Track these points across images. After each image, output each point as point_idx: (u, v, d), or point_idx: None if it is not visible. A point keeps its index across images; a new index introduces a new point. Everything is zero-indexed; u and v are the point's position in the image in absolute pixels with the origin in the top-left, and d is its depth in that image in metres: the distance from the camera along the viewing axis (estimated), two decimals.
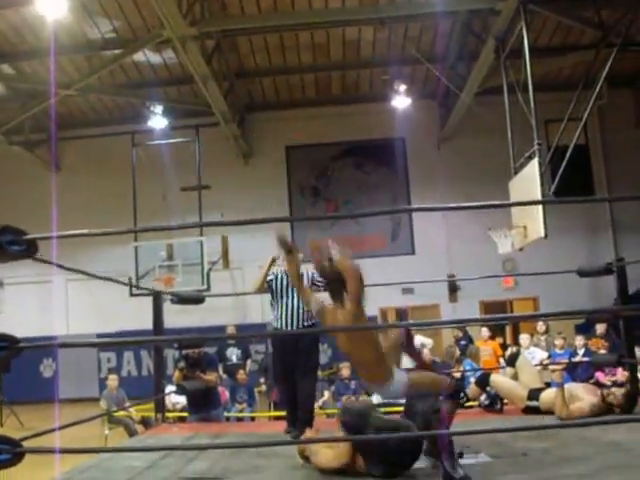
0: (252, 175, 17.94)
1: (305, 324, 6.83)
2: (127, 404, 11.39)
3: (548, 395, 6.63)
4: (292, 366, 6.84)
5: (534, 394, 6.69)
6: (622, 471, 4.32)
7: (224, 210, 16.64)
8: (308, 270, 7.09)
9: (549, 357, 11.88)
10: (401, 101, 16.17)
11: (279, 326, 6.85)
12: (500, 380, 6.93)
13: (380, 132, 18.00)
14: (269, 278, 7.06)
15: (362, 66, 16.87)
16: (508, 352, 12.98)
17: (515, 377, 7.18)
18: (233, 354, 13.40)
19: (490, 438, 5.39)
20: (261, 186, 17.64)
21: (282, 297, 6.88)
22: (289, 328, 6.83)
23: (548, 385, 7.31)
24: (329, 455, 4.73)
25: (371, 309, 15.81)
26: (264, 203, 17.13)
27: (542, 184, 11.44)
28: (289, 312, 6.79)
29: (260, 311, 16.04)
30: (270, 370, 12.19)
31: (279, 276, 6.99)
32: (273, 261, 7.02)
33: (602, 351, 10.63)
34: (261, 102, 18.34)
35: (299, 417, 6.66)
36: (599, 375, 10.73)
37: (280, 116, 18.15)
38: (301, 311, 6.83)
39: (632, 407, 6.57)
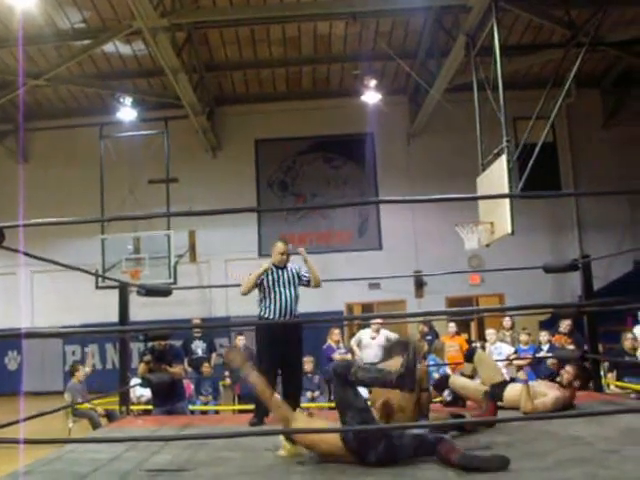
0: (221, 168, 17.89)
1: (295, 316, 7.13)
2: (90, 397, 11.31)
3: (512, 391, 6.67)
4: (279, 357, 7.03)
5: (496, 390, 6.71)
6: (582, 464, 4.37)
7: (192, 203, 16.55)
8: (292, 267, 7.21)
9: (515, 352, 11.94)
10: (371, 96, 16.19)
11: (270, 317, 7.06)
12: (458, 382, 6.93)
13: (350, 127, 18.01)
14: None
15: (333, 61, 16.89)
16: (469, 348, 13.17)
17: (475, 372, 7.22)
18: (198, 347, 13.32)
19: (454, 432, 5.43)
20: (229, 179, 17.60)
21: (272, 290, 7.09)
22: (280, 319, 7.08)
23: (513, 380, 7.36)
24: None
25: (337, 304, 16.06)
26: (232, 196, 17.06)
27: (510, 181, 11.49)
28: (279, 304, 7.02)
29: (225, 305, 16.04)
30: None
31: (269, 270, 7.17)
32: (266, 270, 7.11)
33: (567, 347, 10.70)
34: (231, 95, 18.27)
35: (292, 406, 6.85)
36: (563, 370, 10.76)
37: (250, 110, 18.10)
38: (291, 303, 7.04)
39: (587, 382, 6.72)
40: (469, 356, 7.22)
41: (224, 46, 15.93)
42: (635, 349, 10.38)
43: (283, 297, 7.08)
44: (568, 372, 6.65)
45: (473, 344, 13.62)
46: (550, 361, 10.40)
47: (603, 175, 17.29)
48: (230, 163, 18.01)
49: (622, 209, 18.06)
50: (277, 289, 7.10)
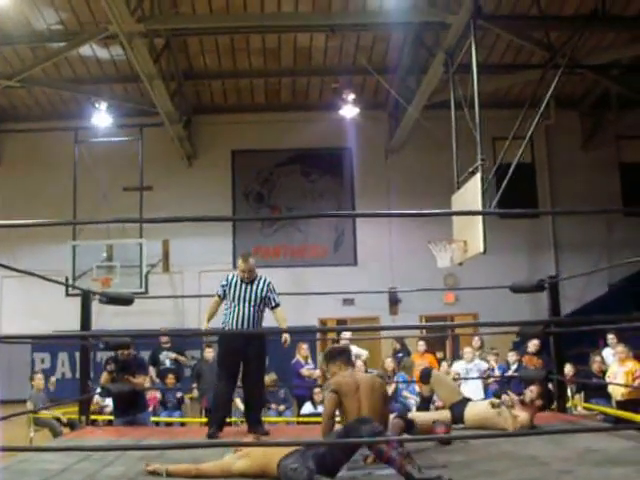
0: (196, 178, 17.69)
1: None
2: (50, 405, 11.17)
3: (474, 410, 6.59)
4: (235, 370, 7.05)
5: (456, 409, 6.63)
6: None
7: (166, 212, 16.40)
8: (260, 283, 7.13)
9: (487, 370, 11.96)
10: (350, 110, 16.14)
11: (232, 326, 7.09)
12: (419, 417, 6.80)
13: (328, 141, 17.93)
14: (222, 284, 7.30)
15: (312, 73, 16.81)
16: (446, 366, 13.11)
17: (432, 393, 7.14)
18: (167, 358, 13.21)
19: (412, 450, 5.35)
20: (205, 190, 17.39)
21: (234, 303, 7.11)
22: (246, 321, 7.07)
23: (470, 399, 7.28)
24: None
25: (310, 319, 15.94)
26: (207, 207, 16.84)
27: (483, 199, 11.46)
28: (240, 318, 7.03)
29: (198, 316, 15.85)
30: (203, 376, 12.04)
31: (233, 281, 7.21)
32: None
33: (535, 367, 10.66)
34: (209, 104, 18.11)
35: (254, 418, 7.05)
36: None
37: (227, 119, 17.92)
38: (250, 319, 7.05)
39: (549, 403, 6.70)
40: (425, 378, 7.13)
41: (203, 54, 15.82)
42: (603, 372, 10.35)
43: (242, 313, 7.06)
44: (531, 391, 6.60)
45: (443, 362, 13.59)
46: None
47: (581, 197, 17.30)
48: (206, 173, 17.82)
49: (599, 231, 18.07)
50: (240, 304, 7.09)
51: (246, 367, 7.13)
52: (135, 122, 16.90)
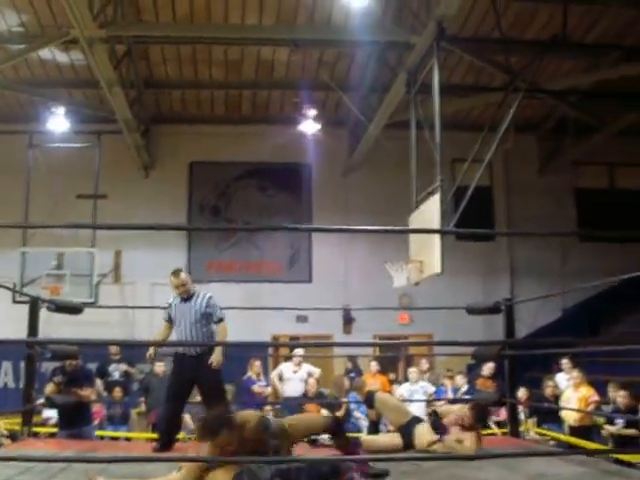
0: (152, 188, 17.44)
1: (200, 350, 6.96)
2: None
3: (421, 431, 6.47)
4: (185, 392, 7.06)
5: (405, 431, 6.50)
6: None
7: (120, 222, 16.14)
8: (199, 298, 6.98)
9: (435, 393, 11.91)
10: (310, 126, 16.04)
11: (178, 350, 7.05)
12: (368, 440, 6.69)
13: (287, 156, 17.82)
14: (165, 307, 7.32)
15: (274, 87, 16.68)
16: (398, 386, 13.02)
17: (379, 417, 7.02)
18: (116, 370, 12.95)
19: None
20: (160, 200, 17.13)
21: (176, 324, 7.08)
22: (186, 354, 6.96)
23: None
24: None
25: (264, 335, 15.78)
26: (162, 218, 16.57)
27: (442, 220, 11.43)
28: (183, 338, 6.97)
29: (149, 328, 15.57)
30: (151, 390, 11.82)
31: (174, 302, 7.20)
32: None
33: (489, 390, 10.63)
34: (168, 114, 17.88)
35: None
36: None
37: (186, 130, 17.71)
38: (195, 335, 6.97)
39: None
40: (369, 402, 7.01)
41: (164, 63, 15.61)
42: (556, 396, 10.35)
43: (185, 332, 6.96)
44: (467, 417, 6.48)
45: (394, 384, 13.51)
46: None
47: (537, 221, 17.43)
48: (162, 183, 17.57)
49: (554, 257, 18.20)
50: (181, 323, 7.02)
51: (200, 388, 7.08)
52: (92, 129, 16.58)
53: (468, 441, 6.23)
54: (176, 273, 7.22)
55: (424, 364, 12.73)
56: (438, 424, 6.46)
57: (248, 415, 5.18)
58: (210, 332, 7.13)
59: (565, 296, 17.69)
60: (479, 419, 6.57)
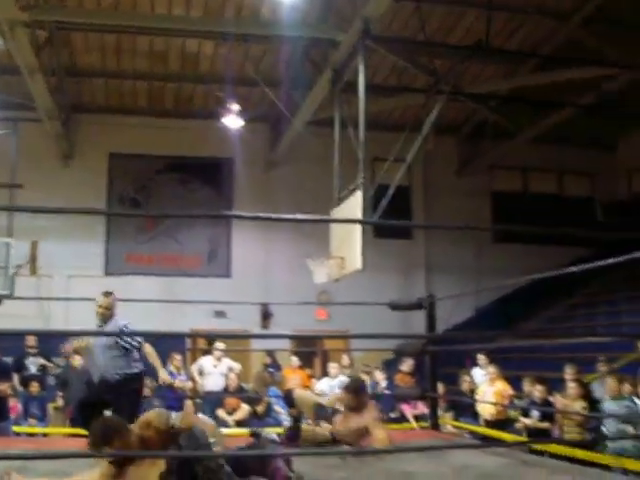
0: (70, 179, 17.04)
1: (118, 377, 6.69)
2: None
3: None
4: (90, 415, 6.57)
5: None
6: None
7: (37, 213, 15.82)
8: (115, 325, 6.85)
9: None
10: (234, 121, 15.98)
11: (91, 378, 6.92)
12: (307, 430, 6.77)
13: (209, 150, 17.74)
14: None
15: (198, 81, 16.59)
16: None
17: (301, 414, 7.07)
18: (32, 364, 12.69)
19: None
20: (79, 192, 16.69)
21: (91, 351, 6.98)
22: (96, 381, 6.79)
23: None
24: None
25: (182, 329, 15.66)
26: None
27: (364, 216, 11.55)
28: (93, 367, 6.91)
29: (65, 322, 15.34)
30: (69, 385, 11.61)
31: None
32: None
33: (408, 386, 10.86)
34: (89, 104, 17.51)
35: None
36: (404, 407, 10.93)
37: (107, 121, 17.38)
38: (104, 365, 6.72)
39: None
40: (288, 400, 7.12)
41: (87, 51, 15.32)
42: (472, 391, 10.61)
43: (95, 360, 6.81)
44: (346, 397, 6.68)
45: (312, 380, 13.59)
46: None
47: (453, 221, 17.74)
48: (82, 174, 17.19)
49: (468, 257, 18.63)
50: (94, 350, 6.87)
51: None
52: (10, 116, 16.09)
53: (381, 436, 6.35)
54: (107, 294, 7.03)
55: (345, 359, 12.83)
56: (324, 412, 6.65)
57: (149, 415, 5.12)
58: (127, 361, 6.80)
59: (479, 295, 18.11)
60: (358, 392, 6.66)
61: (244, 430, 7.41)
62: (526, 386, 9.84)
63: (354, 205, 11.88)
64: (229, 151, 17.57)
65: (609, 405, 8.08)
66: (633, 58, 13.41)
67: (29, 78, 13.10)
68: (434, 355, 7.98)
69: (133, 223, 17.61)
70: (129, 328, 6.80)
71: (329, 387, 11.79)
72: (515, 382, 10.49)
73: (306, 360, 15.64)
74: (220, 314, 16.96)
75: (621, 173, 20.52)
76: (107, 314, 6.90)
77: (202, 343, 17.28)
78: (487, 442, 7.97)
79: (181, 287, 17.00)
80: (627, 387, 8.45)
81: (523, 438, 8.74)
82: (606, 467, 6.39)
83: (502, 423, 9.56)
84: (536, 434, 8.81)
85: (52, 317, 15.89)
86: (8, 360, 11.87)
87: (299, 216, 4.91)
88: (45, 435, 11.21)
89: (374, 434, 6.36)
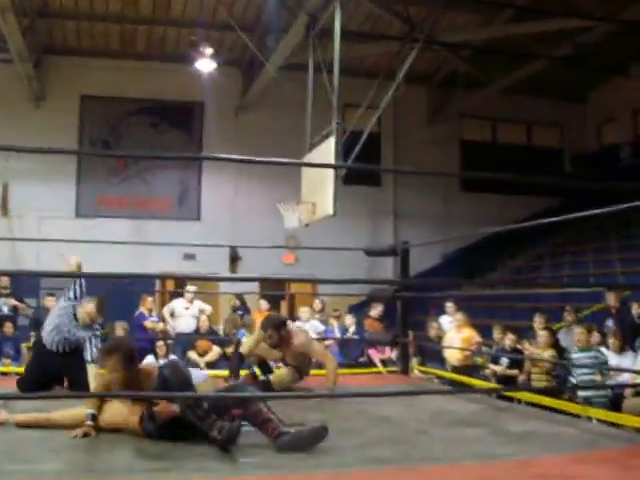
0: (42, 120, 16.76)
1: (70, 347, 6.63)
2: None
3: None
4: (45, 383, 6.54)
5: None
6: (395, 444, 4.50)
7: (8, 154, 15.64)
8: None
9: (324, 332, 12.18)
10: (206, 65, 15.89)
11: (46, 342, 6.62)
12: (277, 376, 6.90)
13: (180, 93, 17.58)
14: None
15: (171, 24, 16.33)
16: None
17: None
18: (5, 305, 12.67)
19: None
20: (50, 134, 16.36)
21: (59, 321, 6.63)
22: (53, 348, 6.60)
23: None
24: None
25: (152, 272, 15.66)
26: None
27: (336, 161, 11.60)
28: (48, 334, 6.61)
29: (35, 264, 15.30)
30: (42, 325, 11.60)
31: None
32: None
33: (377, 331, 11.04)
34: (61, 46, 17.17)
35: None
36: (372, 352, 11.14)
37: (79, 63, 17.09)
38: (59, 333, 6.61)
39: None
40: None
41: None
42: (439, 337, 10.82)
43: (54, 325, 6.63)
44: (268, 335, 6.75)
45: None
46: None
47: (422, 168, 17.88)
48: (53, 116, 16.93)
49: (436, 204, 18.85)
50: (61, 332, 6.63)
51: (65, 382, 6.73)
52: None
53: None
54: (101, 307, 6.75)
55: (317, 304, 12.96)
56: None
57: (148, 366, 5.24)
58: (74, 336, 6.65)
59: (446, 243, 18.34)
60: (274, 327, 6.66)
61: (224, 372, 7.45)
62: (496, 334, 10.09)
63: (327, 150, 11.91)
64: (201, 95, 17.47)
65: (578, 355, 8.30)
66: (608, 10, 13.51)
67: (0, 18, 12.84)
68: (405, 301, 8.13)
69: (104, 165, 17.54)
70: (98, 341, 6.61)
71: None
72: (482, 330, 10.72)
73: (273, 304, 15.80)
74: (189, 257, 17.03)
75: (590, 125, 20.77)
76: (90, 324, 6.66)
77: (170, 286, 17.45)
78: (461, 388, 8.16)
79: (151, 230, 17.00)
80: (594, 337, 8.71)
81: (494, 384, 8.97)
82: (574, 415, 6.62)
83: (469, 369, 9.79)
84: (505, 381, 9.05)
85: (23, 259, 15.82)
86: None
87: (272, 159, 4.96)
88: (18, 374, 11.26)
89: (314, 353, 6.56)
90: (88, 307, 6.61)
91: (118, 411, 4.77)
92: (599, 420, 6.58)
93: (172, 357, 10.47)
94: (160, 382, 4.77)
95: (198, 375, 5.34)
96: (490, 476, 3.70)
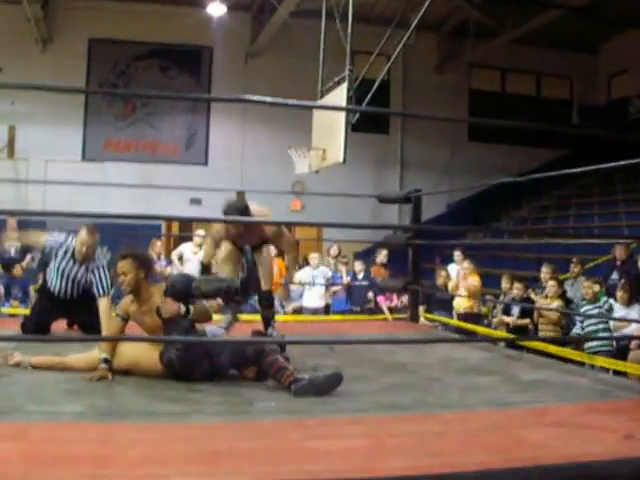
0: (50, 63, 16.53)
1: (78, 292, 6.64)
2: None
3: None
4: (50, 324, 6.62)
5: None
6: (410, 391, 4.59)
7: (15, 96, 15.56)
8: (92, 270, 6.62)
9: (332, 278, 12.26)
10: (216, 8, 15.75)
11: (53, 288, 6.58)
12: None
13: (190, 38, 17.38)
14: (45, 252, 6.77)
15: None
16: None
17: None
18: (12, 247, 12.71)
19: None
20: (58, 76, 16.12)
21: (58, 275, 6.57)
22: (61, 295, 6.61)
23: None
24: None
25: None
26: (59, 95, 15.90)
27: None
28: (61, 286, 6.57)
29: (42, 206, 15.31)
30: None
31: (63, 257, 6.61)
32: None
33: (384, 277, 11.09)
34: None
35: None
36: (380, 299, 11.23)
37: (87, 5, 16.81)
38: (74, 291, 6.63)
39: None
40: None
41: None
42: (446, 285, 10.89)
43: (66, 284, 6.58)
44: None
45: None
46: None
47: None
48: (60, 59, 16.71)
49: (443, 153, 18.83)
50: (65, 276, 6.59)
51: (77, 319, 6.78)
52: None
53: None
54: (93, 232, 6.54)
55: (335, 249, 13.04)
56: None
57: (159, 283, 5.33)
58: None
59: (451, 192, 18.37)
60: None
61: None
62: (504, 283, 10.17)
63: (338, 97, 11.86)
64: (210, 39, 17.32)
65: (586, 308, 8.40)
66: None
67: None
68: (416, 248, 8.18)
69: (111, 109, 17.48)
70: (104, 270, 6.50)
71: (311, 277, 12.00)
72: (488, 279, 10.80)
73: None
74: (196, 201, 17.02)
75: (601, 78, 20.60)
76: (88, 254, 6.52)
77: (175, 230, 17.53)
78: (473, 337, 8.27)
79: (157, 174, 16.99)
80: (599, 289, 8.77)
81: (500, 332, 9.05)
82: (580, 363, 6.72)
83: (474, 317, 9.90)
84: (516, 331, 9.13)
85: (29, 201, 15.82)
86: None
87: (281, 100, 4.90)
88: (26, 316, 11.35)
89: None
90: (80, 236, 6.45)
91: (134, 351, 4.86)
92: (604, 369, 6.67)
93: None
94: (168, 285, 4.98)
95: (215, 332, 5.44)
96: (504, 424, 3.78)
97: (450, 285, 10.75)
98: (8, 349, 5.08)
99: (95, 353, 4.86)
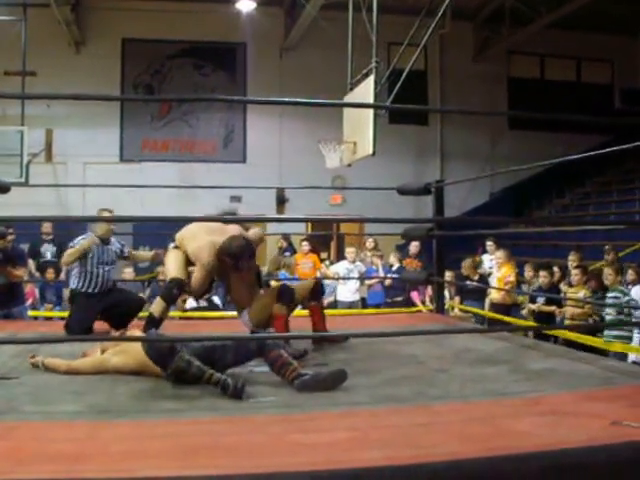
0: (83, 65, 16.83)
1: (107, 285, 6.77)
2: None
3: None
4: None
5: None
6: (411, 382, 4.50)
7: (50, 100, 15.75)
8: (115, 244, 6.89)
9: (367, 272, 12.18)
10: (246, 5, 15.80)
11: (89, 291, 6.62)
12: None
13: (223, 35, 17.50)
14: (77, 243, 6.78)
15: None
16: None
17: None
18: (48, 251, 12.84)
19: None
20: (92, 79, 16.43)
21: (94, 268, 6.62)
22: (104, 283, 6.69)
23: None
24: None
25: (197, 215, 15.72)
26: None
27: (376, 101, 11.47)
28: (99, 282, 6.63)
29: (81, 210, 15.50)
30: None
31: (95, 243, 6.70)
32: (91, 244, 6.61)
33: (416, 269, 10.98)
34: None
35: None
36: (413, 294, 11.15)
37: (119, 5, 17.02)
38: (108, 280, 6.74)
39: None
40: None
41: None
42: (481, 276, 10.74)
43: (102, 277, 6.66)
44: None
45: (325, 262, 13.75)
46: None
47: (469, 106, 17.73)
48: (94, 61, 16.97)
49: (483, 142, 18.66)
50: (99, 268, 6.65)
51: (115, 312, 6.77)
52: (18, 1, 15.84)
53: None
54: (109, 209, 6.86)
55: (371, 242, 12.98)
56: None
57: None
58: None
59: (493, 181, 18.20)
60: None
61: None
62: (526, 272, 10.00)
63: (366, 91, 11.79)
64: (243, 36, 17.38)
65: (610, 294, 8.17)
66: None
67: None
68: (441, 239, 8.06)
69: (148, 109, 17.62)
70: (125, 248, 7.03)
71: (346, 270, 11.93)
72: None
73: (322, 245, 15.83)
74: (236, 199, 17.07)
75: None
76: (109, 234, 6.79)
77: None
78: (486, 327, 8.14)
79: (196, 173, 17.11)
80: (630, 276, 8.51)
81: (530, 322, 8.86)
82: (602, 352, 6.57)
83: (507, 308, 9.74)
84: (542, 319, 8.92)
85: (68, 205, 16.04)
86: (24, 247, 11.97)
87: (311, 100, 4.96)
88: (62, 318, 11.44)
89: None
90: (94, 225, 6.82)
91: (142, 354, 4.81)
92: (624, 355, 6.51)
93: (215, 299, 10.58)
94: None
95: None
96: (495, 413, 3.69)
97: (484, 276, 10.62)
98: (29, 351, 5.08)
99: (99, 355, 4.86)
